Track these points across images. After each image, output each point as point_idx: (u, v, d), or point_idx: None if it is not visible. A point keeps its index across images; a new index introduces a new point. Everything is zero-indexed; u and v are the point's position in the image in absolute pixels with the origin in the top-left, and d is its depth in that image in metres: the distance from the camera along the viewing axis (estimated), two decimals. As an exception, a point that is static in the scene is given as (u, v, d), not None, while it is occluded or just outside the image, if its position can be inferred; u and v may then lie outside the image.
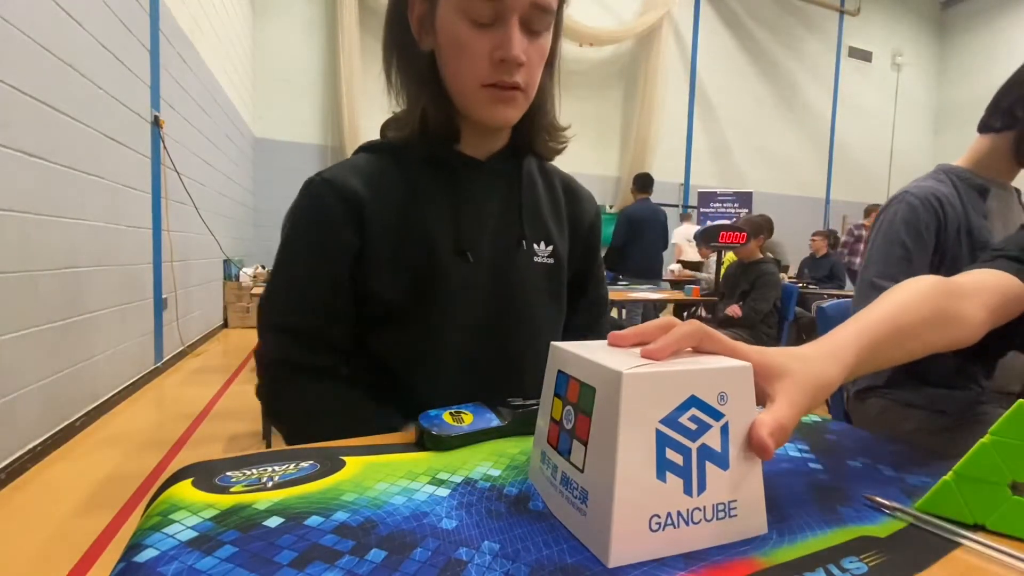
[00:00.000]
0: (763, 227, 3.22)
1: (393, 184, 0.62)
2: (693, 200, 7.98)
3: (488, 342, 0.64)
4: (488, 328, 0.64)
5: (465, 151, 0.66)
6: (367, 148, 0.67)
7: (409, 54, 0.62)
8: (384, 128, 0.68)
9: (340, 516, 0.31)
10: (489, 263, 0.64)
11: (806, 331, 3.50)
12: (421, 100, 0.61)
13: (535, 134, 0.67)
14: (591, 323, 0.79)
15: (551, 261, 0.69)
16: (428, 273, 0.61)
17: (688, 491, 0.29)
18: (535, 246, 0.68)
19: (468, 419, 0.45)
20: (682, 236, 5.80)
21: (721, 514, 0.30)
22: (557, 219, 0.72)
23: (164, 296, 3.26)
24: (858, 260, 4.76)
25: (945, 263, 1.08)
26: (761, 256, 3.12)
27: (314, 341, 0.60)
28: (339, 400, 0.59)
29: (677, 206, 8.21)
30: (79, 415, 2.24)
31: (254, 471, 0.36)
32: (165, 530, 0.29)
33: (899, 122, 9.71)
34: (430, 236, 0.61)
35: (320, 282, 0.59)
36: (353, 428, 0.49)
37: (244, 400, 2.76)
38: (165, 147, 3.18)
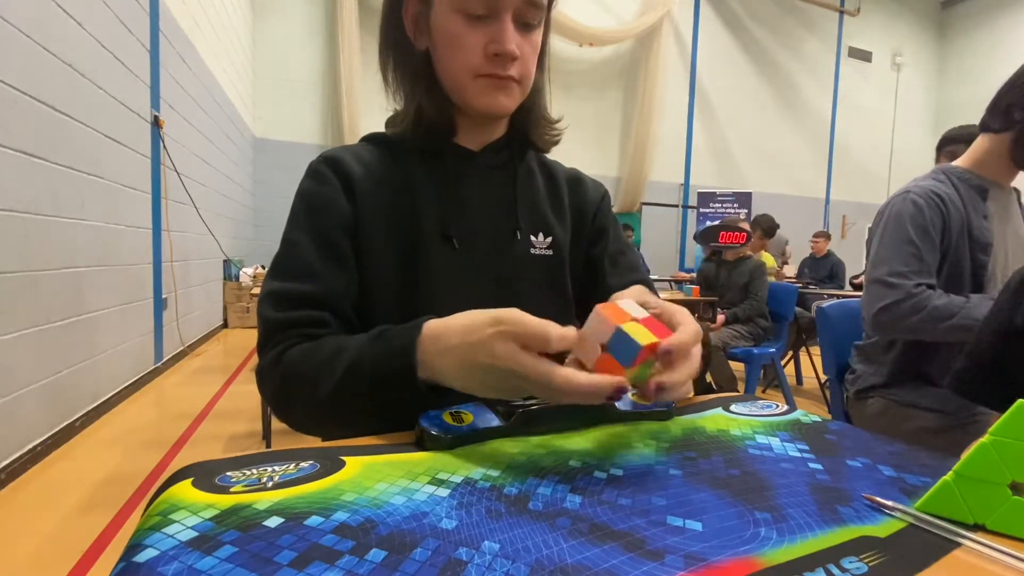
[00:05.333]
0: (760, 225, 3.26)
1: (386, 171, 0.64)
2: (693, 200, 7.98)
3: None
4: None
5: (460, 143, 0.66)
6: (368, 139, 0.69)
7: (405, 53, 0.63)
8: (388, 125, 0.69)
9: (340, 516, 0.31)
10: (481, 253, 0.64)
11: (806, 331, 3.50)
12: (417, 96, 0.62)
13: (531, 126, 0.68)
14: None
15: (550, 253, 0.68)
16: (413, 258, 0.61)
17: None
18: (532, 237, 0.67)
19: (468, 419, 0.45)
20: None
21: None
22: (558, 210, 0.71)
23: (164, 296, 3.26)
24: None
25: (947, 262, 1.07)
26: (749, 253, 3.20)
27: (312, 305, 0.57)
28: (335, 341, 0.53)
29: (677, 206, 8.21)
30: (79, 415, 2.24)
31: (254, 471, 0.37)
32: (165, 530, 0.29)
33: (899, 122, 9.70)
34: (417, 221, 0.62)
35: (317, 246, 0.59)
36: (347, 359, 0.48)
37: (244, 400, 2.77)
38: (165, 147, 3.18)
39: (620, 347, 0.38)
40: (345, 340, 0.52)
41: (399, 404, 0.47)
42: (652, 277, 0.80)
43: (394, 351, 0.47)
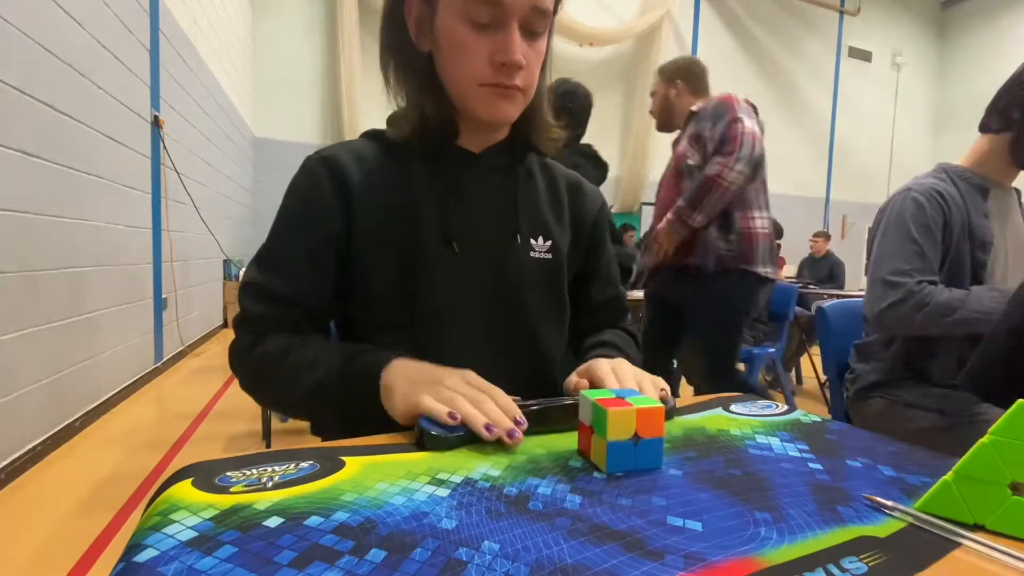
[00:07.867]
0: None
1: (386, 170, 0.64)
2: (693, 200, 7.95)
3: (483, 337, 0.64)
4: (482, 322, 0.64)
5: (462, 145, 0.66)
6: (369, 135, 0.68)
7: (407, 55, 0.62)
8: (389, 122, 0.68)
9: (340, 516, 0.31)
10: (481, 256, 0.64)
11: (806, 331, 3.50)
12: (420, 100, 0.62)
13: (533, 131, 0.68)
14: (601, 326, 0.76)
15: (549, 256, 0.68)
16: (413, 260, 0.61)
17: None
18: (532, 241, 0.67)
19: (468, 419, 0.45)
20: None
21: None
22: (558, 214, 0.71)
23: (164, 296, 3.26)
24: None
25: (947, 261, 1.07)
26: None
27: (286, 305, 0.60)
28: (310, 350, 0.57)
29: (677, 206, 8.19)
30: (79, 415, 2.24)
31: (254, 471, 0.37)
32: (165, 530, 0.29)
33: (899, 122, 9.70)
34: (417, 223, 0.62)
35: (300, 251, 0.60)
36: (318, 362, 0.54)
37: (244, 400, 2.75)
38: (165, 147, 3.18)
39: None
40: (316, 353, 0.56)
41: (365, 421, 0.51)
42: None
43: (360, 377, 0.52)
